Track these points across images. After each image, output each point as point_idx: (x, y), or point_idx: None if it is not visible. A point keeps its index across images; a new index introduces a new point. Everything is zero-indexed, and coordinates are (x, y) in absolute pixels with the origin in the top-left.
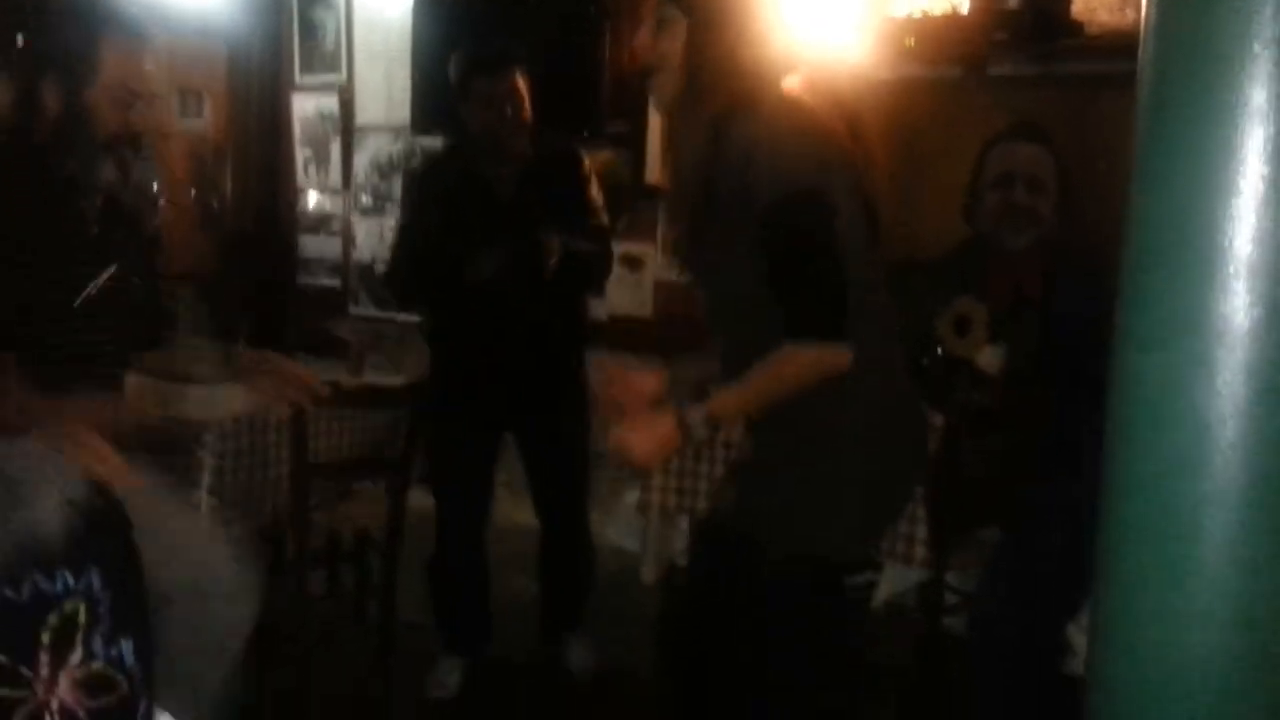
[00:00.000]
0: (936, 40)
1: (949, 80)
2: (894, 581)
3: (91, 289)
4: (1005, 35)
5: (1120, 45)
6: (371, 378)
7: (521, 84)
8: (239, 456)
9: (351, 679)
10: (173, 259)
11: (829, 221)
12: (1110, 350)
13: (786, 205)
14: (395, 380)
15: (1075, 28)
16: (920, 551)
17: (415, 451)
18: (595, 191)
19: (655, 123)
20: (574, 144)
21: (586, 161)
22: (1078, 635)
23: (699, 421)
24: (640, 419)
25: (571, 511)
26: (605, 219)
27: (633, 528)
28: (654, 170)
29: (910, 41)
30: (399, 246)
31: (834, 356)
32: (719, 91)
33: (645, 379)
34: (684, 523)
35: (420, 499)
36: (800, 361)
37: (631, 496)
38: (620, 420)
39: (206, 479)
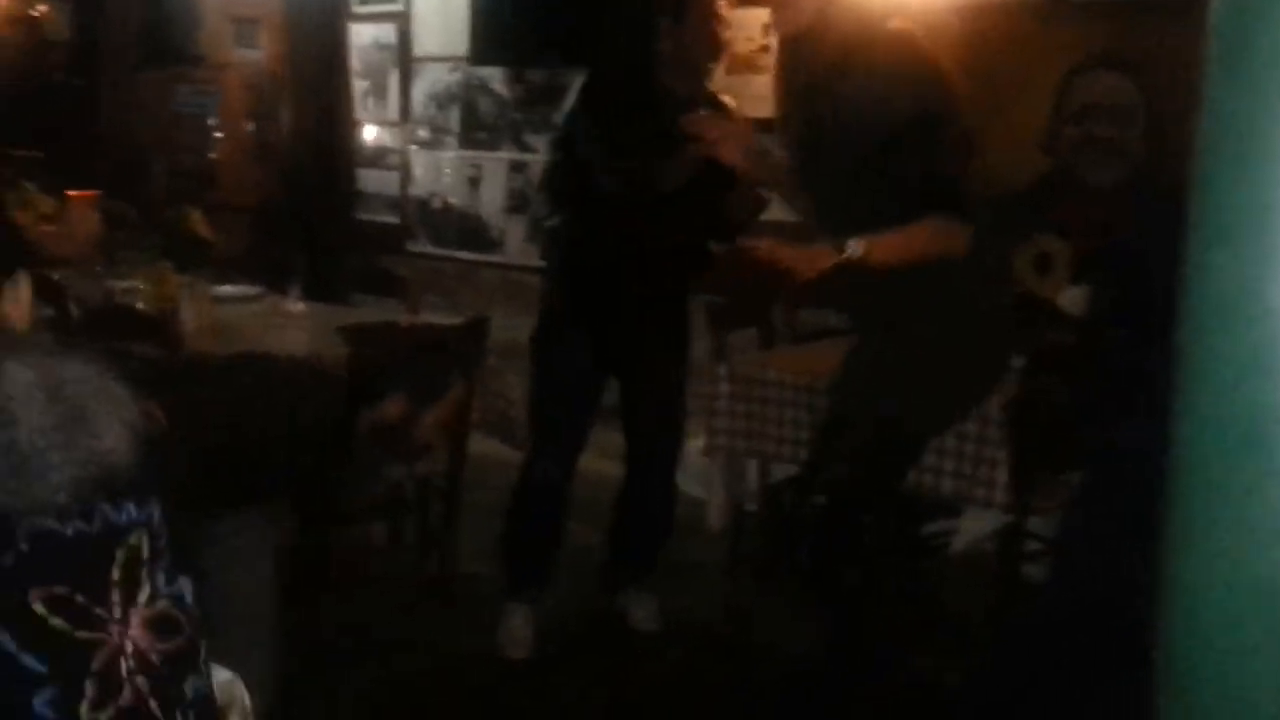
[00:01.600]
0: None
1: (1028, 4)
2: (972, 529)
3: None
4: None
5: None
6: (430, 317)
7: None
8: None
9: (412, 628)
10: (229, 191)
11: (954, 131)
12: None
13: (927, 117)
14: (454, 320)
15: None
16: (1000, 495)
17: (475, 395)
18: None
19: None
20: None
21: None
22: None
23: (855, 246)
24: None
25: (665, 458)
26: None
27: (698, 473)
28: None
29: None
30: (560, 155)
31: (960, 232)
32: (846, 24)
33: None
34: (752, 467)
35: (480, 443)
36: (935, 228)
37: (697, 442)
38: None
39: None
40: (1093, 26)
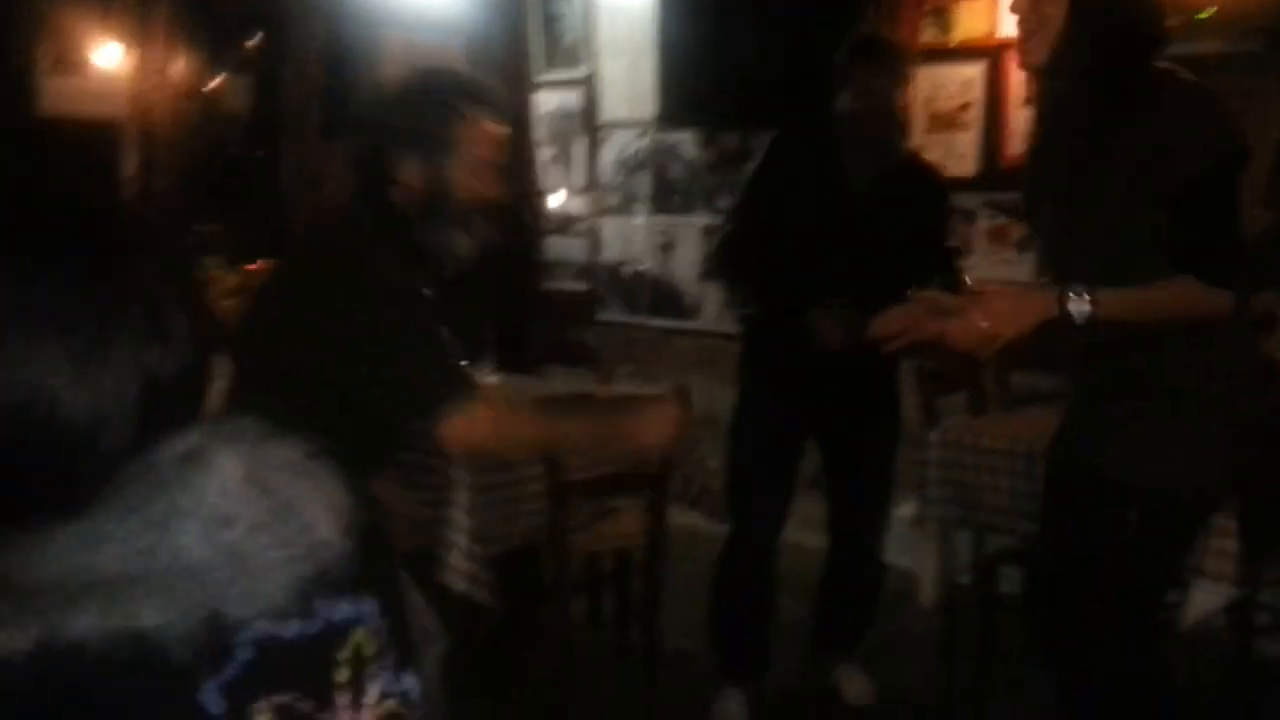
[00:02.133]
0: (1234, 10)
1: (1246, 55)
2: (1202, 601)
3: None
4: None
5: None
6: (623, 387)
7: (906, 77)
8: (493, 474)
9: (618, 711)
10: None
11: (1240, 184)
12: None
13: (1219, 165)
14: (650, 390)
15: None
16: (1232, 568)
17: (676, 465)
18: (950, 210)
19: (921, 110)
20: (934, 164)
21: (944, 179)
22: None
23: (1083, 303)
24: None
25: (869, 529)
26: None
27: (905, 543)
28: None
29: (1207, 13)
30: (736, 223)
31: (1222, 299)
32: (1105, 55)
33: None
34: (965, 537)
35: (680, 516)
36: (1196, 294)
37: (905, 509)
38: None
39: (464, 501)
40: None
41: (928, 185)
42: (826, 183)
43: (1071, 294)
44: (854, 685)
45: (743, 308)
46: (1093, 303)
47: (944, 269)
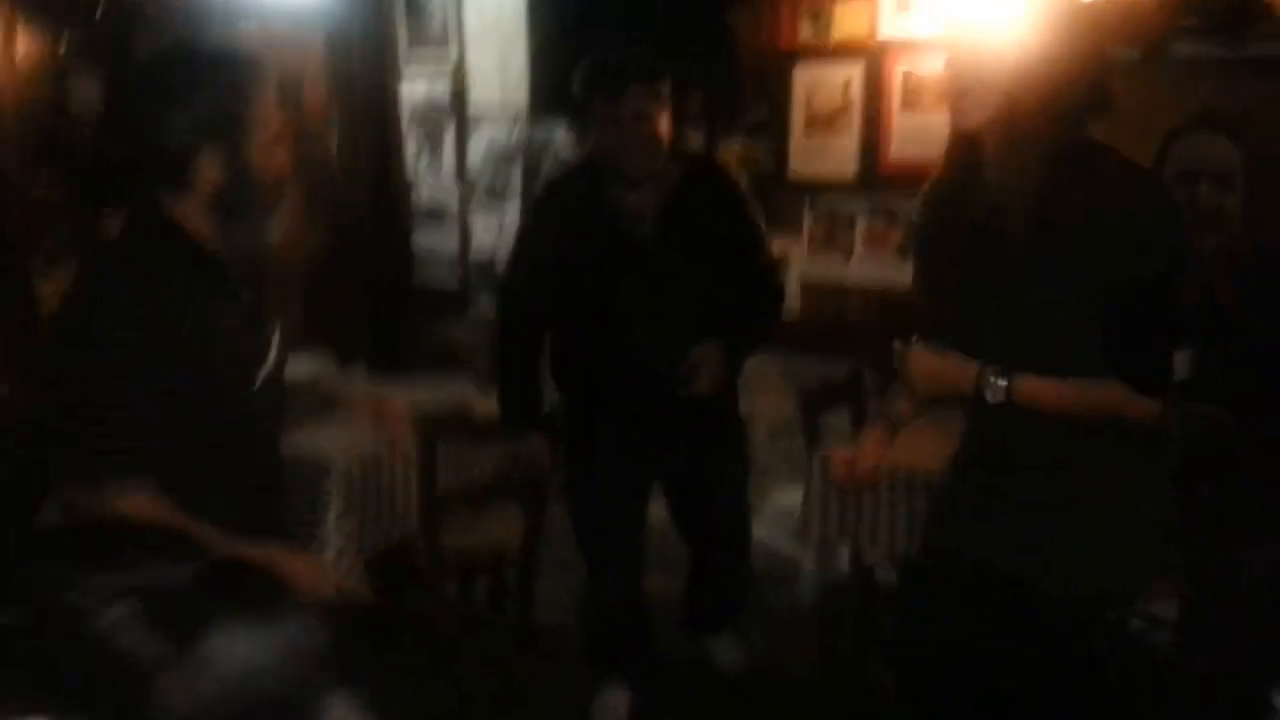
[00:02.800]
0: (1114, 21)
1: (1124, 64)
2: None
3: None
4: (1192, 21)
5: None
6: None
7: (658, 100)
8: (366, 486)
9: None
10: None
11: (1179, 283)
12: None
13: (1162, 265)
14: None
15: (1268, 9)
16: None
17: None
18: (754, 213)
19: (799, 111)
20: (715, 158)
21: (735, 176)
22: None
23: (999, 389)
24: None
25: (730, 554)
26: (770, 249)
27: (785, 530)
28: (799, 159)
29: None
30: (515, 268)
31: (1150, 405)
32: (1046, 124)
33: None
34: (844, 551)
35: (556, 507)
36: (1123, 397)
37: (785, 497)
38: None
39: (333, 513)
40: (1191, 87)
41: (719, 198)
42: (602, 232)
43: (991, 375)
44: (726, 655)
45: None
46: (1009, 389)
47: (759, 280)
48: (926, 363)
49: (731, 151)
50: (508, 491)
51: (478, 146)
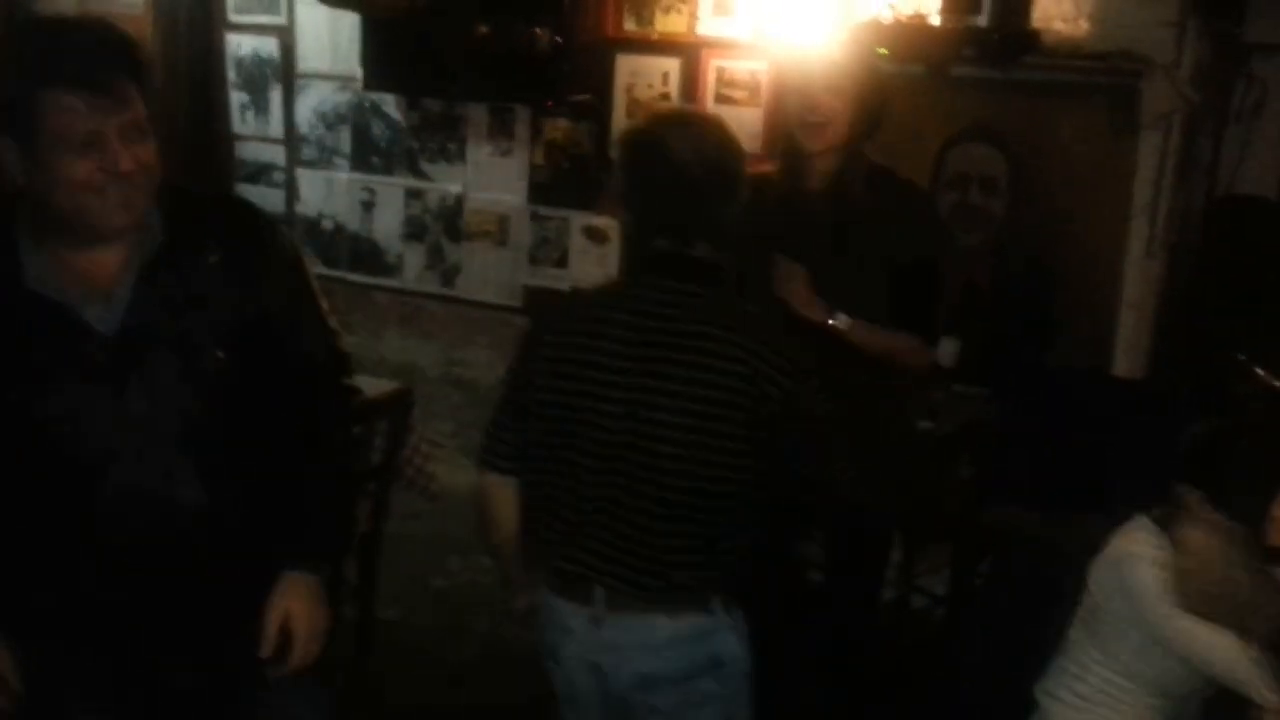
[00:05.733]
0: (905, 43)
1: (912, 77)
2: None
3: None
4: (972, 51)
5: (1074, 54)
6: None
7: None
8: None
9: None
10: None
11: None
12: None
13: (934, 259)
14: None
15: (1034, 39)
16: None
17: (398, 454)
18: None
19: (621, 95)
20: None
21: None
22: (1043, 697)
23: (843, 319)
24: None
25: None
26: None
27: None
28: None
29: (884, 51)
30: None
31: (928, 357)
32: (864, 150)
33: None
34: None
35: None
36: (917, 346)
37: None
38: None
39: None
40: (966, 103)
41: None
42: None
43: (834, 318)
44: None
45: None
46: (849, 325)
47: None
48: (810, 302)
49: (557, 131)
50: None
51: (305, 106)
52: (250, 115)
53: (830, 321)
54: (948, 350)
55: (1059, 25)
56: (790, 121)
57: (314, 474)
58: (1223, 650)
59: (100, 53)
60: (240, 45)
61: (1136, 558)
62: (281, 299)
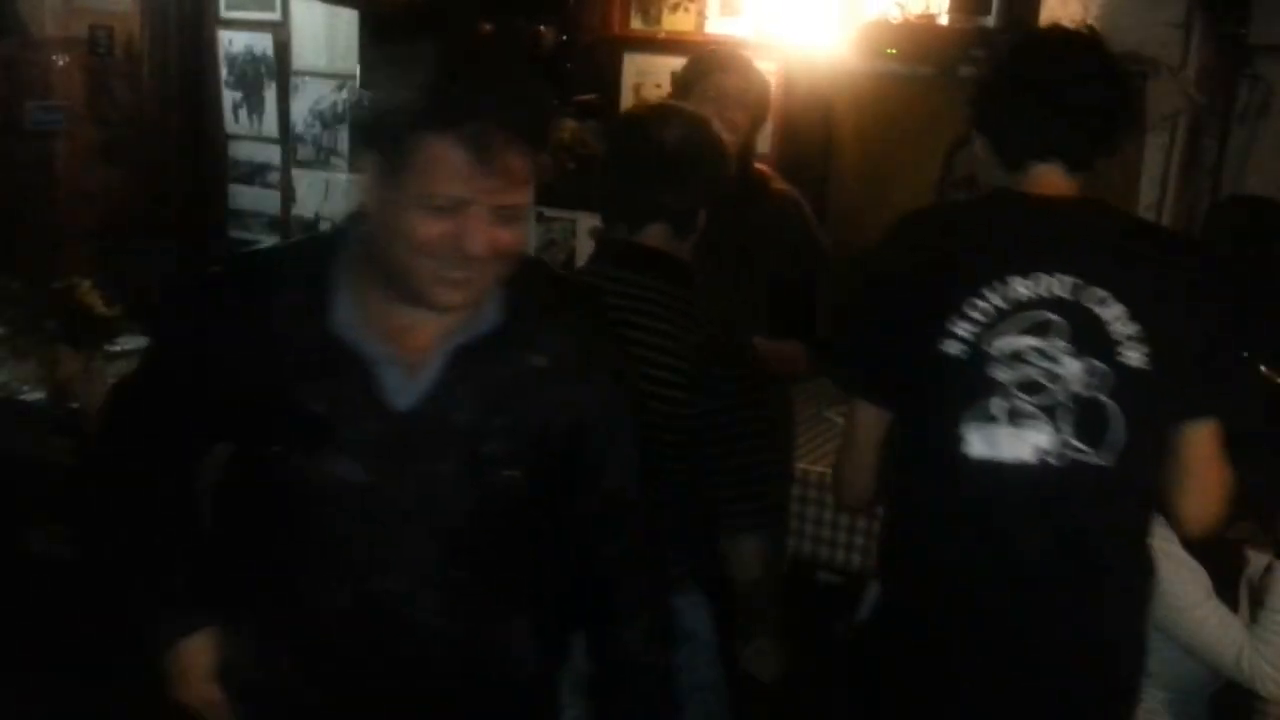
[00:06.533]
0: (913, 43)
1: (919, 78)
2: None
3: None
4: (981, 52)
5: None
6: None
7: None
8: None
9: None
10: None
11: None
12: None
13: (810, 275)
14: None
15: None
16: None
17: None
18: None
19: (628, 94)
20: None
21: None
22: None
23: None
24: None
25: None
26: None
27: None
28: None
29: (893, 50)
30: None
31: (807, 359)
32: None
33: None
34: None
35: None
36: (798, 351)
37: None
38: None
39: None
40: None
41: None
42: None
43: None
44: None
45: None
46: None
47: None
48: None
49: (563, 131)
50: None
51: (301, 106)
52: (244, 114)
53: None
54: None
55: (1066, 26)
56: None
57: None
58: (1231, 644)
59: (512, 121)
60: (233, 42)
61: None
62: (596, 416)
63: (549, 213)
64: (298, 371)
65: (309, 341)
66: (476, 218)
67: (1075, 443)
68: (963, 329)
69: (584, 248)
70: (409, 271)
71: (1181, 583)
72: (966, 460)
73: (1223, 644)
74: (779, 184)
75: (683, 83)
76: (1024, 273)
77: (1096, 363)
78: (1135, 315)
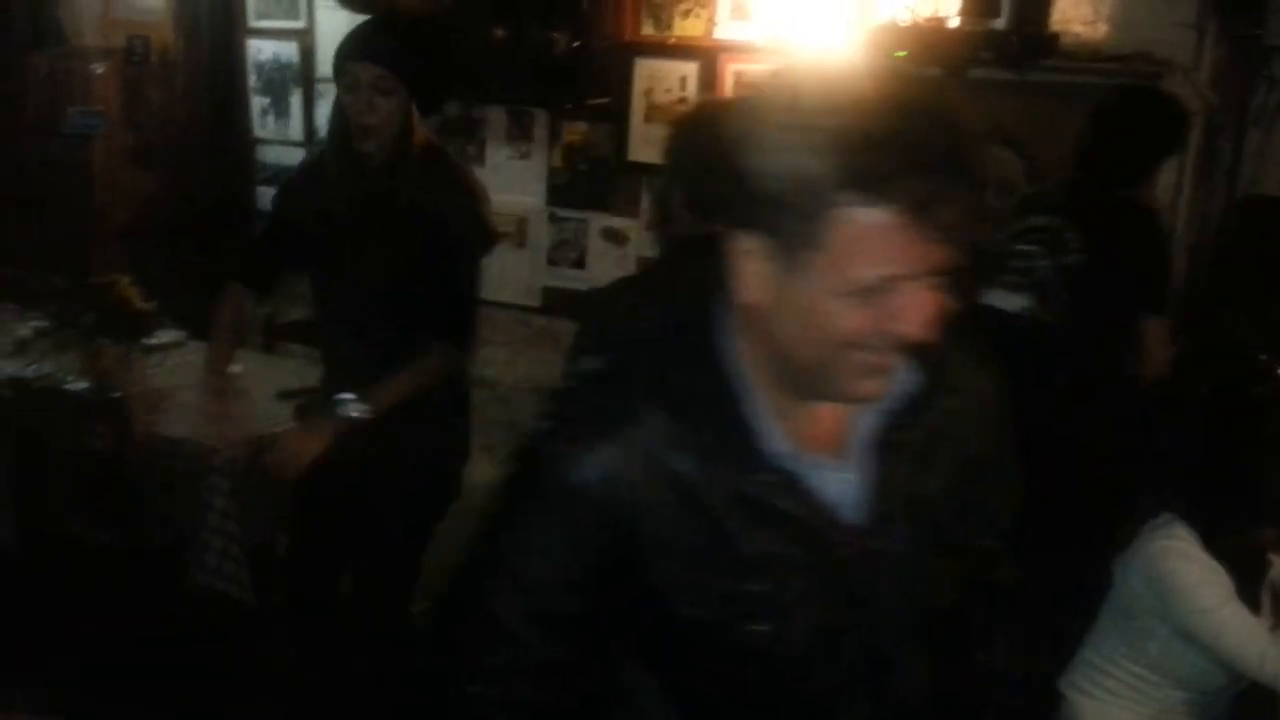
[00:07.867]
0: (923, 46)
1: (933, 80)
2: None
3: None
4: (990, 54)
5: (1093, 57)
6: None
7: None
8: (250, 473)
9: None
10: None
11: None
12: None
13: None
14: None
15: (1053, 42)
16: None
17: None
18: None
19: (639, 98)
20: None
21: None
22: (1069, 691)
23: (361, 409)
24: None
25: None
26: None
27: None
28: (637, 145)
29: (902, 54)
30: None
31: (462, 358)
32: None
33: None
34: None
35: None
36: (445, 358)
37: None
38: None
39: (217, 500)
40: (984, 104)
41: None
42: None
43: (350, 408)
44: None
45: None
46: (370, 409)
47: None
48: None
49: (575, 134)
50: None
51: (325, 110)
52: (270, 119)
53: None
54: None
55: (1078, 28)
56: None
57: None
58: (1253, 646)
59: (958, 171)
60: (261, 50)
61: (1166, 552)
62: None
63: (561, 213)
64: (732, 502)
65: (739, 462)
66: (913, 293)
67: None
68: None
69: (596, 248)
70: (817, 369)
71: (1203, 585)
72: None
73: (1245, 647)
74: None
75: None
76: None
77: None
78: None
